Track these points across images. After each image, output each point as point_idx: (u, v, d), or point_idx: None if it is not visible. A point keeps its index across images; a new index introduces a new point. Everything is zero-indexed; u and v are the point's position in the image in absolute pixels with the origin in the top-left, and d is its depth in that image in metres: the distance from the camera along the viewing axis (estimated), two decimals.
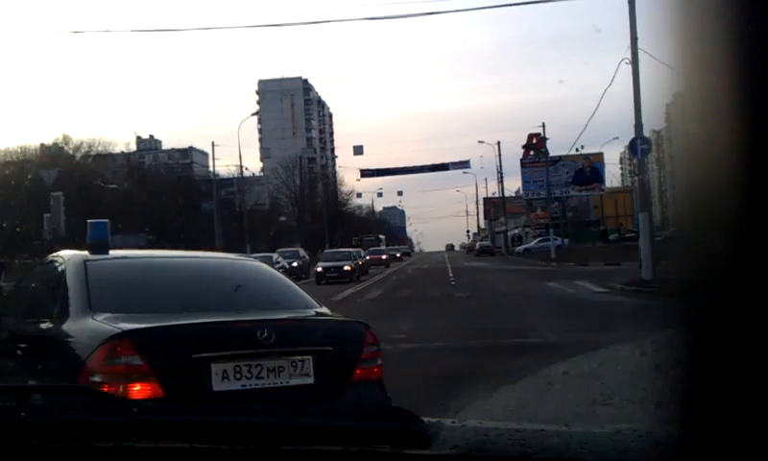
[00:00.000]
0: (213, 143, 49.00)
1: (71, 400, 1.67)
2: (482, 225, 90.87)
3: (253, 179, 62.68)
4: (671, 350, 0.74)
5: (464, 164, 68.27)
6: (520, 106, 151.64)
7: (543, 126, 50.99)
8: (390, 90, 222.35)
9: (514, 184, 71.10)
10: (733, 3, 0.69)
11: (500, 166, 61.82)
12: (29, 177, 40.36)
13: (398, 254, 68.88)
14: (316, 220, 72.06)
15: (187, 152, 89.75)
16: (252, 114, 51.01)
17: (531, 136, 63.96)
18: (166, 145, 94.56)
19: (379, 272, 41.01)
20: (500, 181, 62.36)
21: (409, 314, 16.17)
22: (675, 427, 0.78)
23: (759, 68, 0.67)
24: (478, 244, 72.24)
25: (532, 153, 62.57)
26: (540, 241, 56.48)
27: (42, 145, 52.96)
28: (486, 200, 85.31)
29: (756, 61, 0.67)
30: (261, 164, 78.95)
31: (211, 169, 54.28)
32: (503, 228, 65.69)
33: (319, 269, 32.45)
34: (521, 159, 59.69)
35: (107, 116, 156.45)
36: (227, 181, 58.00)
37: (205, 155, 65.90)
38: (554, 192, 53.77)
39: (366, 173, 70.67)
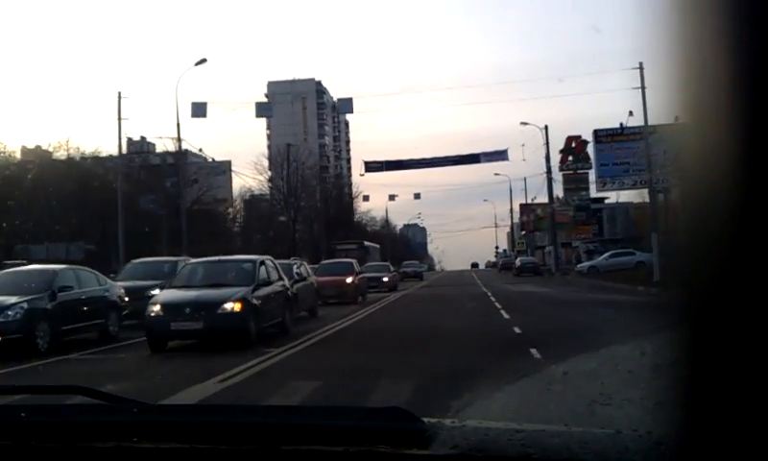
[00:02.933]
0: (120, 94, 31.70)
1: (71, 401, 1.67)
2: (515, 237, 73.13)
3: (211, 164, 45.70)
4: (671, 350, 0.77)
5: (499, 155, 51.15)
6: (557, 121, 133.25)
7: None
8: (413, 110, 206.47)
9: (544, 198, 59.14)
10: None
11: (548, 154, 45.24)
12: None
13: (385, 278, 35.16)
14: (322, 226, 55.77)
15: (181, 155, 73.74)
16: (197, 64, 33.63)
17: (570, 139, 54.55)
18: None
19: (356, 312, 21.16)
20: (548, 170, 46.08)
21: None
22: (675, 427, 0.81)
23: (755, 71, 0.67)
24: (518, 261, 54.49)
25: (570, 158, 53.52)
26: (611, 256, 39.53)
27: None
28: (523, 206, 68.14)
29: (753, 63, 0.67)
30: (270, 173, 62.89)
31: (126, 140, 37.42)
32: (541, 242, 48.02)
33: (154, 310, 13.29)
34: (595, 131, 42.98)
35: (101, 119, 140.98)
36: (172, 169, 40.91)
37: (203, 159, 50.54)
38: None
39: (371, 166, 53.16)
